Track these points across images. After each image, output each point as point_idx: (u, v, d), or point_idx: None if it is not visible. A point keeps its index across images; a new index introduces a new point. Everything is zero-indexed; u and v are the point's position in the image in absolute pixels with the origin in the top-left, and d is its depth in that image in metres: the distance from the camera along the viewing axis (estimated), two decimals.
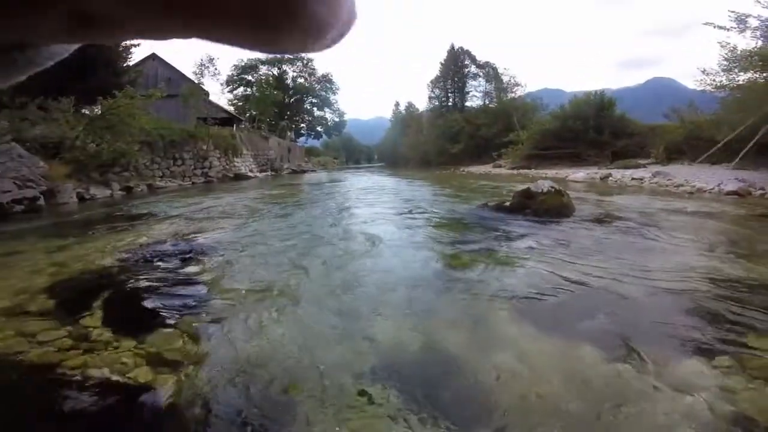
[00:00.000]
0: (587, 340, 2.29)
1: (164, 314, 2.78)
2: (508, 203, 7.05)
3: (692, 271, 3.53)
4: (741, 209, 7.17)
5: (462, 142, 35.60)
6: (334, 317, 2.75)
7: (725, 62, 11.41)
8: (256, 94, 38.33)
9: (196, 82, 22.56)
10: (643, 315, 2.65)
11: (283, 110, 44.93)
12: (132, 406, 1.80)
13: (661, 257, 3.98)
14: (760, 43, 10.10)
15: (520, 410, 1.73)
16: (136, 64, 19.28)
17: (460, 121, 37.42)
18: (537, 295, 3.08)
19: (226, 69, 45.45)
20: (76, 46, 0.17)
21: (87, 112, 13.18)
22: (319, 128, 51.08)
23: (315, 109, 51.16)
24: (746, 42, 10.71)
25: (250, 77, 45.83)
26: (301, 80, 49.81)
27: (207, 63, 22.62)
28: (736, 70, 11.19)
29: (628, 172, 13.99)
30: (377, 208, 8.43)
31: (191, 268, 3.91)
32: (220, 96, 26.92)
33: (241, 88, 45.41)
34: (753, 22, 9.99)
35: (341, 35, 0.16)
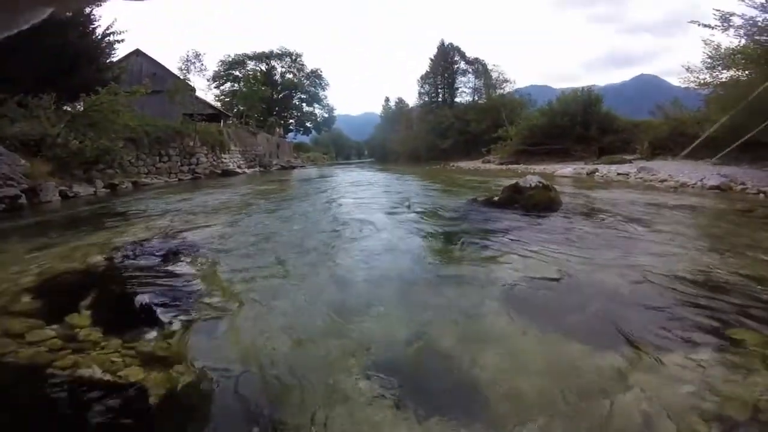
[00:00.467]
0: (575, 333, 2.33)
1: (154, 312, 2.75)
2: (496, 198, 7.12)
3: (676, 264, 3.62)
4: (723, 203, 7.37)
5: (451, 137, 35.75)
6: (326, 312, 2.75)
7: (709, 60, 11.63)
8: (244, 89, 37.86)
9: (181, 77, 22.14)
10: (629, 308, 2.71)
11: (271, 106, 44.43)
12: (124, 406, 1.78)
13: (645, 251, 4.08)
14: (743, 41, 10.31)
15: (510, 404, 1.76)
16: (120, 60, 18.84)
17: (450, 117, 37.56)
18: (526, 288, 3.13)
19: (212, 64, 44.61)
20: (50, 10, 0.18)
21: (69, 109, 12.88)
22: (308, 124, 50.69)
23: (304, 104, 50.72)
24: (730, 40, 10.93)
25: (237, 72, 45.18)
26: (289, 76, 49.24)
27: (193, 58, 22.21)
28: (720, 68, 11.42)
29: (614, 168, 14.22)
30: (367, 203, 8.43)
31: (180, 266, 3.87)
32: (207, 92, 26.56)
33: (228, 84, 44.75)
34: (737, 21, 10.19)
35: None
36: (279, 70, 48.79)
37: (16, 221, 6.90)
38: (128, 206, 8.35)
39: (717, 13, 10.57)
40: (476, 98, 41.70)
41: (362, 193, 10.66)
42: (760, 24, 9.57)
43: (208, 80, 27.68)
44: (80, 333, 2.41)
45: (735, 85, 10.66)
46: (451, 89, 44.44)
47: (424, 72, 45.81)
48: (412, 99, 55.41)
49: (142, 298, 3.00)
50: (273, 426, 1.66)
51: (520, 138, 23.55)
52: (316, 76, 50.10)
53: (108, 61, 15.95)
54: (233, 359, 2.16)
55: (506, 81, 40.39)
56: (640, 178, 11.89)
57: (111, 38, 15.58)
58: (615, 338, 2.28)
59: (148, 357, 2.15)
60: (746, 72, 10.44)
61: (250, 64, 46.41)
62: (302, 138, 55.36)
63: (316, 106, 50.81)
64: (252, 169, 23.75)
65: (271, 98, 44.20)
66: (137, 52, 24.29)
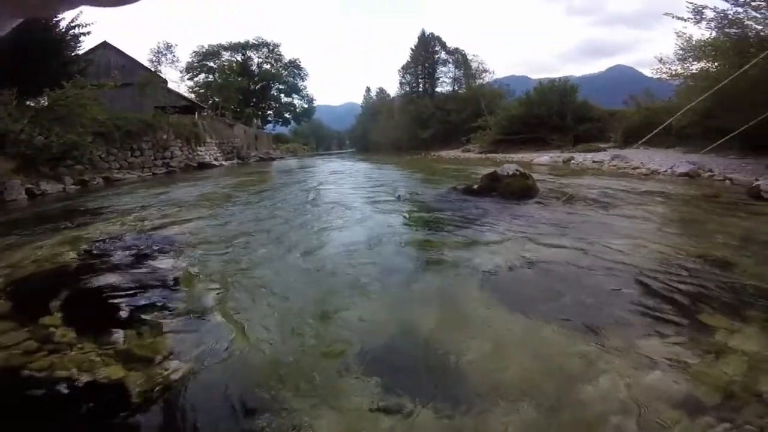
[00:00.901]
0: (552, 318, 2.41)
1: (131, 310, 2.69)
2: (475, 186, 7.25)
3: (647, 249, 3.78)
4: (691, 190, 7.70)
5: (432, 127, 35.89)
6: (309, 304, 2.76)
7: (681, 52, 11.97)
8: (219, 80, 36.84)
9: (152, 69, 21.33)
10: (603, 293, 2.82)
11: (248, 97, 43.39)
12: (105, 406, 1.76)
13: (618, 236, 4.23)
14: (714, 34, 10.63)
15: (490, 390, 1.82)
16: (86, 53, 17.95)
17: (431, 107, 37.66)
18: (504, 275, 3.22)
19: (185, 56, 43.11)
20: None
21: (32, 104, 12.25)
22: (287, 115, 49.78)
23: (282, 95, 49.69)
24: (701, 32, 11.24)
25: (212, 64, 43.81)
26: (267, 66, 48.05)
27: (164, 50, 21.44)
28: (691, 60, 11.77)
29: (589, 156, 14.61)
30: (349, 194, 8.40)
31: (155, 262, 3.79)
32: (180, 84, 25.67)
33: (203, 75, 43.39)
34: (709, 14, 10.48)
35: None
36: (256, 60, 47.57)
37: None
38: (100, 202, 8.06)
39: (690, 5, 10.86)
40: (456, 88, 41.85)
41: (344, 183, 10.61)
42: (730, 17, 9.89)
43: (180, 72, 26.76)
44: (55, 334, 2.34)
45: (704, 76, 11.01)
46: (432, 79, 44.44)
47: (405, 62, 45.67)
48: (393, 89, 55.22)
49: (118, 297, 2.93)
50: (256, 418, 1.67)
51: (499, 127, 23.87)
52: (294, 66, 49.11)
53: (73, 54, 15.17)
54: (217, 353, 2.14)
55: (485, 71, 40.69)
56: (614, 165, 12.26)
57: (76, 31, 14.84)
58: (590, 322, 2.37)
59: (128, 355, 2.11)
60: (715, 64, 10.80)
61: (225, 55, 45.11)
62: (281, 129, 54.39)
63: (295, 96, 49.88)
64: (229, 162, 23.22)
65: (247, 89, 43.14)
66: (104, 45, 23.17)
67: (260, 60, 47.93)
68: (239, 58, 46.18)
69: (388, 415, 1.69)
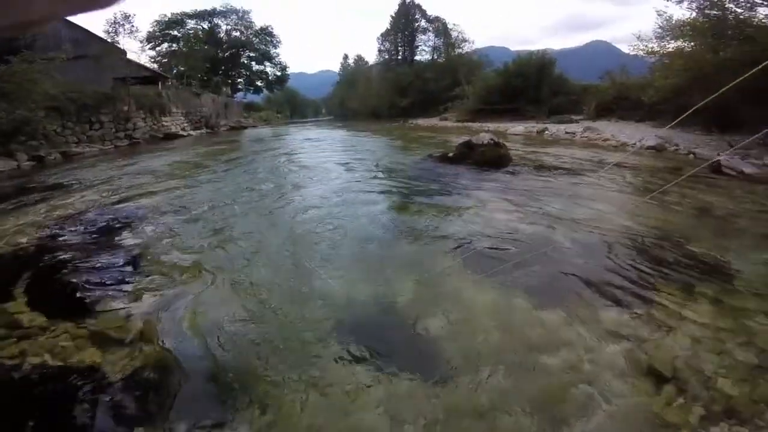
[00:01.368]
0: (520, 289, 2.51)
1: (100, 291, 2.61)
2: (451, 154, 7.33)
3: (611, 220, 3.93)
4: (658, 162, 8.00)
5: (411, 95, 35.33)
6: (286, 277, 2.74)
7: (660, 30, 12.03)
8: (184, 49, 34.73)
9: (109, 41, 19.78)
10: (568, 263, 2.94)
11: (216, 65, 41.18)
12: (81, 390, 1.73)
13: (584, 207, 4.38)
14: (694, 14, 10.68)
15: (463, 359, 1.90)
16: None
17: (410, 75, 36.97)
18: (476, 243, 3.30)
19: (145, 25, 40.09)
20: None
21: None
22: (259, 83, 47.65)
23: (254, 63, 47.34)
24: (682, 12, 11.26)
25: (175, 32, 41.15)
26: (236, 34, 45.47)
27: (122, 20, 19.82)
28: (668, 38, 11.86)
29: (563, 127, 14.85)
30: (325, 162, 8.24)
31: (122, 239, 3.66)
32: (141, 54, 23.85)
33: (166, 44, 40.83)
34: None
35: None
36: (224, 28, 44.90)
37: None
38: (58, 178, 7.60)
39: None
40: (436, 57, 41.04)
41: (320, 152, 10.37)
42: None
43: (141, 42, 24.83)
44: (22, 320, 2.26)
45: (679, 55, 11.17)
46: (411, 47, 43.35)
47: (384, 29, 44.23)
48: (371, 57, 53.53)
49: (85, 277, 2.83)
50: (243, 397, 1.68)
51: (477, 97, 23.78)
52: (266, 33, 46.58)
53: None
54: (195, 331, 2.12)
55: (465, 41, 39.87)
56: (586, 137, 12.54)
57: None
58: (554, 292, 2.48)
59: (101, 338, 2.07)
60: (691, 44, 10.95)
61: (191, 23, 42.33)
62: (253, 97, 52.21)
63: (267, 64, 47.57)
64: (198, 131, 22.23)
65: (215, 57, 40.89)
66: None
67: (229, 27, 45.36)
68: (206, 26, 43.62)
69: (363, 384, 1.74)
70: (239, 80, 46.64)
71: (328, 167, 7.50)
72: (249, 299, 2.45)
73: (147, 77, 22.07)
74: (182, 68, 31.10)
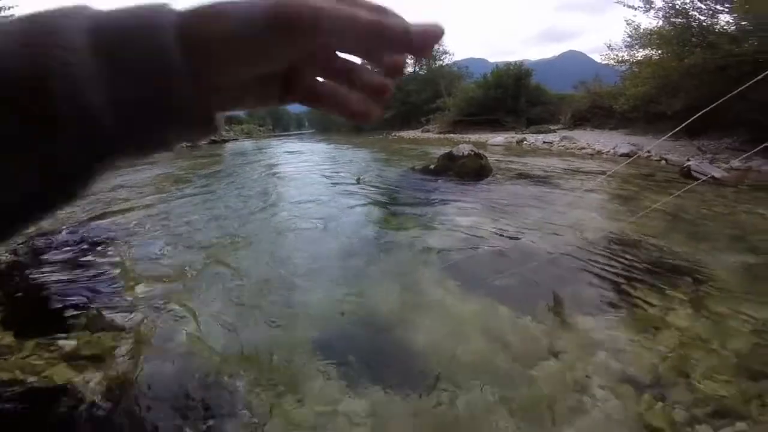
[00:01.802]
0: (502, 298, 2.48)
1: (74, 308, 2.48)
2: (432, 166, 7.35)
3: (588, 227, 3.96)
4: (631, 169, 8.18)
5: (393, 108, 35.68)
6: (267, 291, 2.66)
7: (629, 39, 12.49)
8: None
9: None
10: (547, 271, 2.93)
11: None
12: (53, 409, 1.63)
13: (562, 215, 4.41)
14: (660, 22, 11.09)
15: (446, 369, 1.85)
16: None
17: (392, 88, 37.61)
18: (458, 254, 3.26)
19: None
20: None
21: None
22: None
23: None
24: (649, 21, 11.71)
25: None
26: None
27: None
28: (637, 47, 12.31)
29: (540, 137, 15.19)
30: (308, 176, 8.18)
31: (97, 256, 3.50)
32: None
33: None
34: (658, 3, 10.91)
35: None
36: None
37: None
38: None
39: None
40: (417, 69, 41.78)
41: (303, 165, 10.28)
42: (677, 7, 10.38)
43: None
44: None
45: (647, 63, 11.59)
46: None
47: None
48: None
49: (58, 295, 2.70)
50: (220, 414, 1.60)
51: (458, 109, 24.21)
52: None
53: None
54: (171, 348, 2.03)
55: (446, 53, 40.79)
56: (563, 146, 12.84)
57: None
58: (537, 301, 2.45)
59: (74, 356, 1.96)
60: (659, 52, 11.38)
61: None
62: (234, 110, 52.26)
63: None
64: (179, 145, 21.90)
65: None
66: None
67: None
68: None
69: (348, 398, 1.68)
70: None
71: (310, 181, 7.46)
72: (228, 315, 2.37)
73: None
74: None
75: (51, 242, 3.91)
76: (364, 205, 5.19)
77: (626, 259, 3.10)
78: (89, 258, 3.45)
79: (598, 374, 1.79)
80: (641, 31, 11.72)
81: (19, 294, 2.78)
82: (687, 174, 6.51)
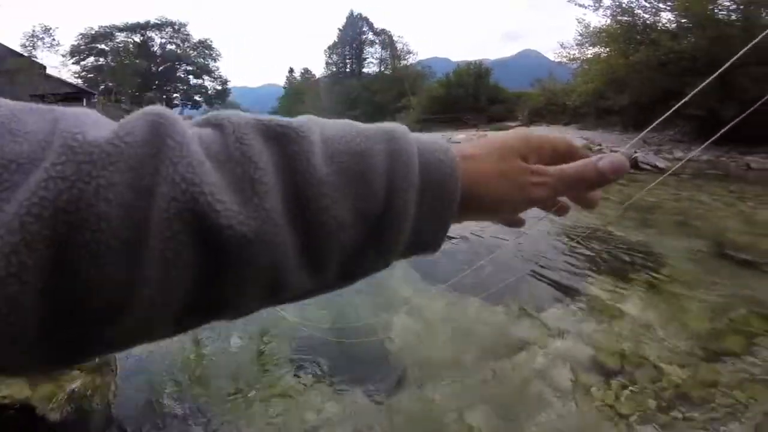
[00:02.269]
0: (470, 292, 2.51)
1: None
2: None
3: (550, 221, 4.09)
4: None
5: (359, 108, 35.63)
6: None
7: (580, 37, 13.03)
8: (112, 63, 32.66)
9: (26, 55, 18.02)
10: (512, 265, 3.01)
11: (149, 80, 39.10)
12: (9, 427, 1.55)
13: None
14: (609, 21, 11.64)
15: (418, 364, 1.86)
16: None
17: (358, 87, 37.39)
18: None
19: (68, 39, 37.48)
20: None
21: None
22: (197, 97, 45.78)
23: (191, 77, 45.49)
24: (599, 20, 12.20)
25: (103, 46, 38.66)
26: (171, 47, 43.60)
27: (41, 34, 18.12)
28: (587, 45, 12.88)
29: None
30: None
31: None
32: (62, 69, 22.01)
33: (92, 59, 38.18)
34: (606, 2, 11.42)
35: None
36: (158, 41, 42.89)
37: None
38: None
39: None
40: (383, 69, 41.87)
41: None
42: (624, 5, 10.96)
43: (63, 56, 22.92)
44: None
45: (596, 60, 12.17)
46: (359, 60, 43.85)
47: (332, 42, 44.47)
48: (318, 70, 53.56)
49: None
50: (180, 423, 1.56)
51: (422, 108, 24.57)
52: (204, 46, 45.03)
53: None
54: (136, 362, 1.93)
55: (410, 52, 41.17)
56: None
57: None
58: (502, 294, 2.49)
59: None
60: (607, 49, 11.97)
61: (120, 36, 40.01)
62: (191, 112, 50.20)
63: (206, 78, 45.91)
64: None
65: (149, 71, 38.86)
66: None
67: (163, 41, 43.40)
68: (137, 39, 41.35)
69: (319, 398, 1.67)
70: (175, 95, 44.60)
71: None
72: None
73: (69, 93, 20.50)
74: (110, 84, 29.15)
75: None
76: None
77: (580, 249, 3.24)
78: None
79: (565, 362, 1.84)
80: (591, 29, 12.27)
81: None
82: (634, 165, 6.92)
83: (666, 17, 10.32)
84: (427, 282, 2.74)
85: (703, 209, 4.37)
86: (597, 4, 11.65)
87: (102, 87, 29.97)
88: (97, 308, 0.17)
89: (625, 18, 10.93)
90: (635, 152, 8.14)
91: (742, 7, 8.33)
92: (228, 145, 0.20)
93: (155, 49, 43.00)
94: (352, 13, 44.22)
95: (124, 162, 0.18)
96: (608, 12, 11.47)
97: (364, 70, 44.03)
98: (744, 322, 2.09)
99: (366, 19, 44.54)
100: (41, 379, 1.77)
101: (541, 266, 2.92)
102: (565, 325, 2.15)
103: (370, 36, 44.47)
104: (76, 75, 33.76)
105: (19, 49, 18.98)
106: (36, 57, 18.57)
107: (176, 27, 43.55)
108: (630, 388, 1.68)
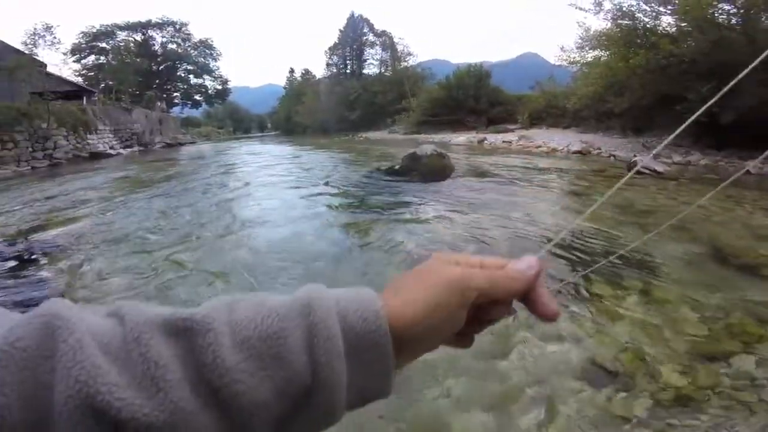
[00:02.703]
0: None
1: None
2: (397, 167, 7.45)
3: (544, 221, 4.11)
4: (583, 165, 8.63)
5: (359, 109, 35.64)
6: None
7: (580, 40, 13.07)
8: (113, 62, 32.63)
9: (26, 53, 17.98)
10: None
11: (149, 79, 39.07)
12: None
13: (521, 208, 4.57)
14: (609, 24, 11.67)
15: (418, 369, 1.83)
16: None
17: (358, 89, 37.33)
18: (421, 253, 3.27)
19: (69, 37, 37.50)
20: None
21: None
22: (197, 97, 45.79)
23: (191, 76, 45.49)
24: (599, 23, 12.22)
25: (104, 44, 38.71)
26: (172, 46, 43.66)
27: (42, 31, 18.07)
28: (587, 48, 12.91)
29: (500, 136, 15.74)
30: (269, 179, 7.98)
31: (35, 270, 3.26)
32: (63, 67, 21.96)
33: (93, 57, 38.24)
34: (607, 5, 11.44)
35: None
36: (159, 40, 43.00)
37: None
38: None
39: None
40: (383, 70, 41.92)
41: (264, 169, 9.97)
42: (624, 9, 10.98)
43: (64, 54, 22.86)
44: None
45: (596, 63, 12.20)
46: (360, 61, 43.90)
47: (332, 43, 44.52)
48: (318, 71, 53.59)
49: None
50: None
51: (422, 109, 24.59)
52: (205, 46, 45.08)
53: None
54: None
55: (410, 54, 41.25)
56: (521, 144, 13.37)
57: None
58: None
59: None
60: (607, 52, 12.00)
61: (122, 35, 40.11)
62: (191, 112, 50.12)
63: (207, 77, 45.93)
64: (129, 149, 20.63)
65: (149, 70, 38.89)
66: None
67: (165, 40, 43.48)
68: (138, 38, 41.42)
69: None
70: (175, 94, 44.60)
71: (275, 185, 7.27)
72: None
73: (70, 91, 20.42)
74: (111, 82, 29.13)
75: None
76: (330, 208, 5.15)
77: (580, 250, 3.23)
78: (28, 272, 3.23)
79: (562, 366, 1.83)
80: (591, 32, 12.30)
81: None
82: (630, 169, 6.94)
83: (666, 21, 10.37)
84: None
85: (700, 213, 4.38)
86: (597, 8, 11.69)
87: (102, 85, 29.97)
88: None
89: (626, 21, 10.96)
90: (635, 156, 8.16)
91: (742, 11, 8.35)
92: (127, 343, 0.21)
93: (156, 48, 43.08)
94: (352, 14, 44.28)
95: (15, 365, 0.19)
96: (609, 15, 11.50)
97: (365, 71, 44.07)
98: (741, 326, 2.10)
99: (367, 21, 44.60)
100: None
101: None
102: (561, 329, 2.12)
103: (371, 37, 44.50)
104: (77, 73, 33.75)
105: (20, 47, 18.96)
106: (37, 55, 18.51)
107: (177, 26, 43.62)
108: (629, 390, 1.67)
